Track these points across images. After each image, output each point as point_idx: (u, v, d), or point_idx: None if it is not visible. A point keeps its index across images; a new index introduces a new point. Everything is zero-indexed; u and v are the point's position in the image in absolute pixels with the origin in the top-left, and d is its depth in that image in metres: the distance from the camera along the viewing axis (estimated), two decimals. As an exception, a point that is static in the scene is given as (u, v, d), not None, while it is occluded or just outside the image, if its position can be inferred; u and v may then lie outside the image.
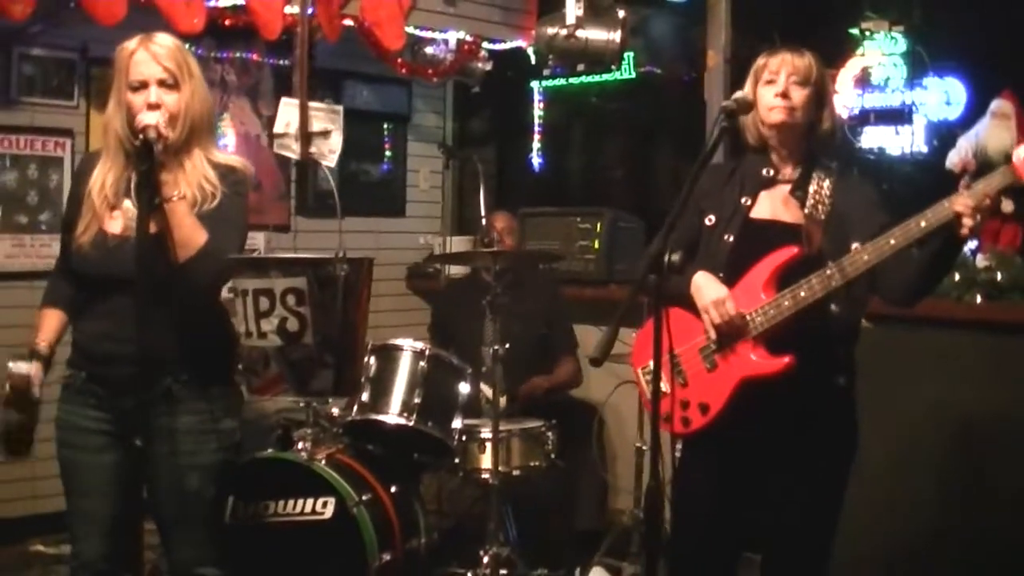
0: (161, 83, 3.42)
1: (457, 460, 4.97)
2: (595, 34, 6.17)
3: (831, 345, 3.45)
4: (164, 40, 3.49)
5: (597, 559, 5.13)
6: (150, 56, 3.44)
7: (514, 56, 7.16)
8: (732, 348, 3.45)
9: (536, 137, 7.40)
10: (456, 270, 6.84)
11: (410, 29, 6.75)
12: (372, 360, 4.86)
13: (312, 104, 5.27)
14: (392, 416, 4.77)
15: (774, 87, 3.45)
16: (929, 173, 5.71)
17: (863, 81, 5.85)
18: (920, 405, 5.05)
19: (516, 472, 5.02)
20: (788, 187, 3.53)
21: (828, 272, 3.30)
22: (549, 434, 5.12)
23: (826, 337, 3.42)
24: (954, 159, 5.31)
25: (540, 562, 5.07)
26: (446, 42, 6.97)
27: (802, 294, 3.33)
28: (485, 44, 7.12)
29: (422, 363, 4.83)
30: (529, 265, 6.10)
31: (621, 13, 6.17)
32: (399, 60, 6.80)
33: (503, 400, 5.50)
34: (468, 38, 7.02)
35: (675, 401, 3.48)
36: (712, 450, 3.56)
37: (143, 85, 3.41)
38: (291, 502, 4.54)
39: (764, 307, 3.39)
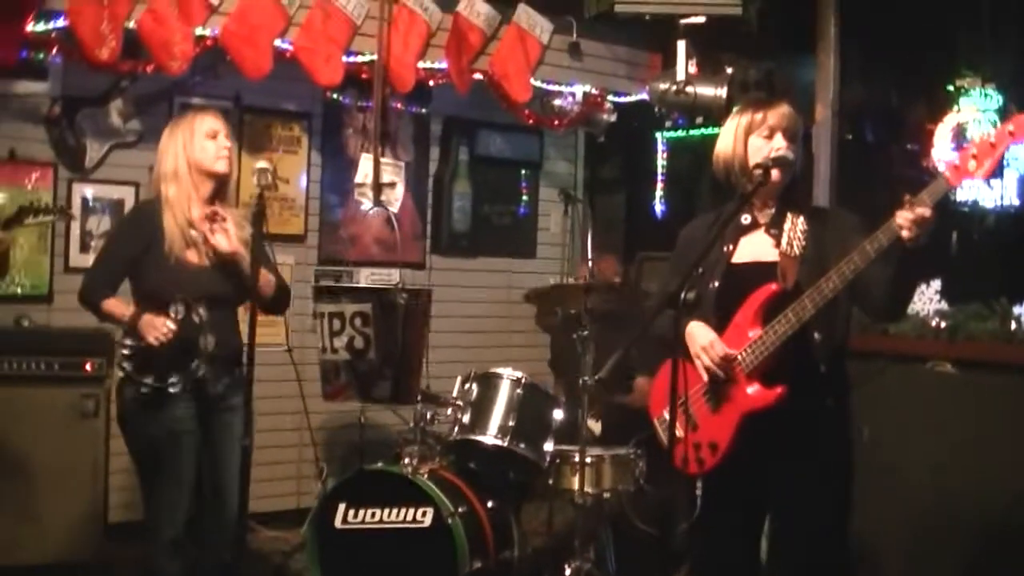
0: (225, 135, 4.43)
1: (551, 481, 5.35)
2: (703, 89, 6.55)
3: (818, 370, 3.66)
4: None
5: (680, 577, 5.41)
6: (214, 117, 4.50)
7: (639, 108, 7.53)
8: (730, 387, 3.71)
9: (659, 185, 7.76)
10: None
11: (537, 82, 7.22)
12: (474, 386, 5.35)
13: (383, 160, 5.78)
14: (489, 437, 5.24)
15: (772, 142, 3.71)
16: (1021, 225, 5.88)
17: (958, 136, 6.06)
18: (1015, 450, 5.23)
19: (606, 495, 5.36)
20: (763, 228, 3.78)
21: (802, 303, 3.53)
22: (638, 461, 5.44)
23: (812, 363, 3.64)
24: (1039, 211, 5.51)
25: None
26: (573, 94, 7.40)
27: (781, 328, 3.57)
28: (610, 97, 7.53)
29: (518, 390, 5.29)
30: (628, 303, 6.46)
31: (729, 70, 6.52)
32: (526, 111, 7.25)
33: (596, 426, 5.90)
34: (594, 91, 7.44)
35: (688, 444, 3.79)
36: (727, 486, 3.83)
37: (215, 135, 4.41)
38: (394, 510, 5.05)
39: (751, 345, 3.64)
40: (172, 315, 4.19)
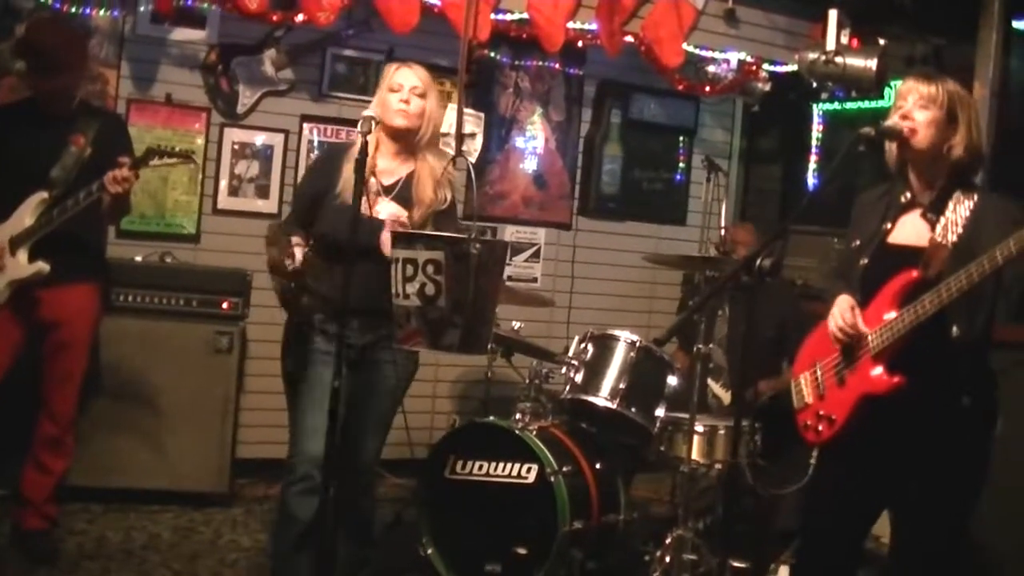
0: (413, 89, 4.38)
1: (663, 448, 5.34)
2: (854, 60, 6.36)
3: (953, 365, 3.55)
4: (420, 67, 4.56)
5: (785, 557, 5.33)
6: (409, 69, 4.48)
7: (797, 78, 7.38)
8: (859, 366, 3.66)
9: (813, 158, 7.61)
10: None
11: (691, 48, 7.13)
12: (589, 346, 5.37)
13: (466, 111, 5.75)
14: (599, 398, 5.26)
15: (902, 111, 3.61)
16: None
17: None
18: None
19: (717, 466, 5.32)
20: (920, 212, 3.66)
21: (936, 293, 3.43)
22: (754, 435, 5.36)
23: (947, 358, 3.53)
24: None
25: (728, 552, 5.35)
26: (728, 62, 7.29)
27: (910, 316, 3.49)
28: (766, 66, 7.39)
29: (632, 354, 5.28)
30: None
31: (882, 42, 6.34)
32: (677, 76, 7.19)
33: (726, 396, 5.85)
34: (749, 59, 7.33)
35: (812, 412, 3.80)
36: (841, 458, 3.79)
37: (399, 88, 4.41)
38: (500, 464, 5.09)
39: (882, 328, 3.58)
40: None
